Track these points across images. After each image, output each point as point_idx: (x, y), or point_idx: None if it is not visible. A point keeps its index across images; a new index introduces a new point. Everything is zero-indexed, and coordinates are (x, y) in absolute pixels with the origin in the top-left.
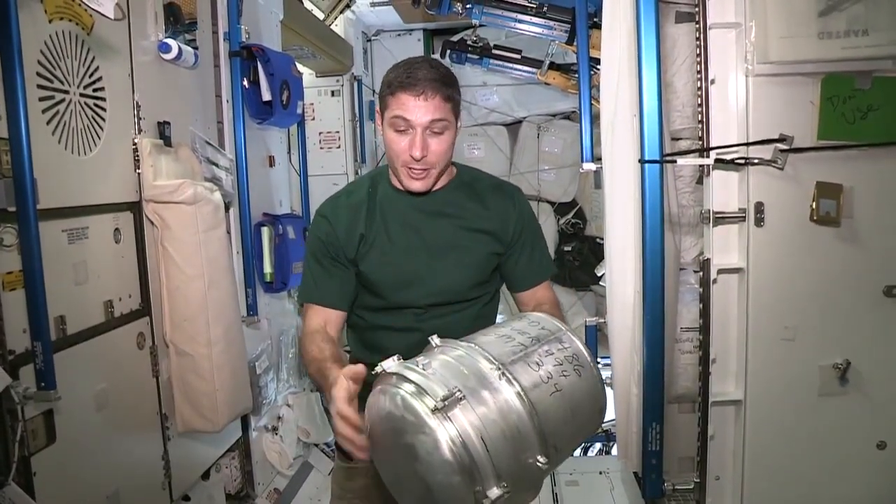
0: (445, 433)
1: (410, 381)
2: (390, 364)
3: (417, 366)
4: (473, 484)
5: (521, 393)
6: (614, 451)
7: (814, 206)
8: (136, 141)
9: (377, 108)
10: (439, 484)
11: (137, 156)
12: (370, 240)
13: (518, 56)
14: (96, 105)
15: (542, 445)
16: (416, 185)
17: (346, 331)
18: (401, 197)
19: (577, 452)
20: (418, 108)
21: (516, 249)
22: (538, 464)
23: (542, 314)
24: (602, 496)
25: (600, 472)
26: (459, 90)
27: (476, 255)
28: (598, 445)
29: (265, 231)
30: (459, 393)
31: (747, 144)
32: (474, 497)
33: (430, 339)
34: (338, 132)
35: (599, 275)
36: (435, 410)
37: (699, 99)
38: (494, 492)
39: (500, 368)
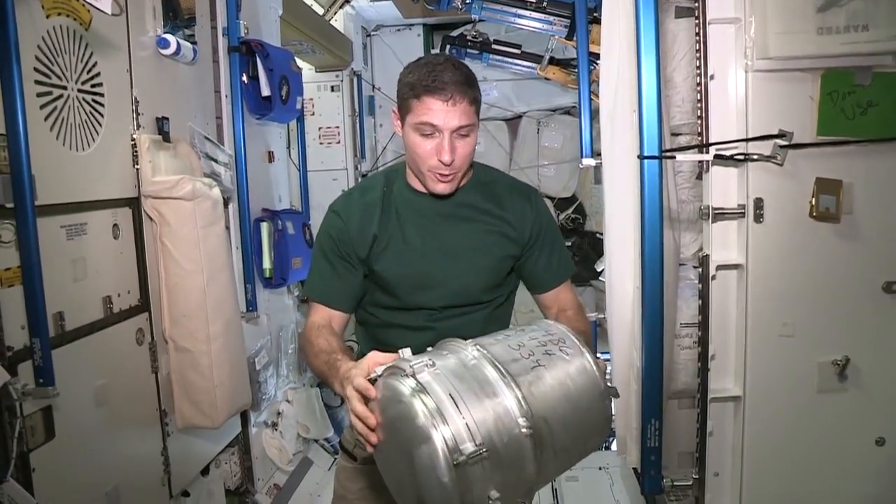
0: (418, 396)
1: (400, 367)
2: (379, 369)
3: (426, 365)
4: (451, 450)
5: (496, 362)
6: (614, 446)
7: (813, 203)
8: (134, 137)
9: (394, 108)
10: (415, 442)
11: (136, 151)
12: (384, 240)
13: (518, 51)
14: (94, 101)
15: (521, 412)
16: (442, 188)
17: (353, 325)
18: (417, 198)
19: None
20: (446, 113)
21: (535, 251)
22: (522, 429)
23: (561, 326)
24: (602, 492)
25: (600, 468)
26: (480, 89)
27: (491, 258)
28: None
29: (264, 226)
30: (430, 361)
31: (746, 140)
32: (452, 456)
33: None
34: (337, 127)
35: (599, 270)
36: (406, 376)
37: (698, 94)
38: (469, 447)
39: (476, 347)
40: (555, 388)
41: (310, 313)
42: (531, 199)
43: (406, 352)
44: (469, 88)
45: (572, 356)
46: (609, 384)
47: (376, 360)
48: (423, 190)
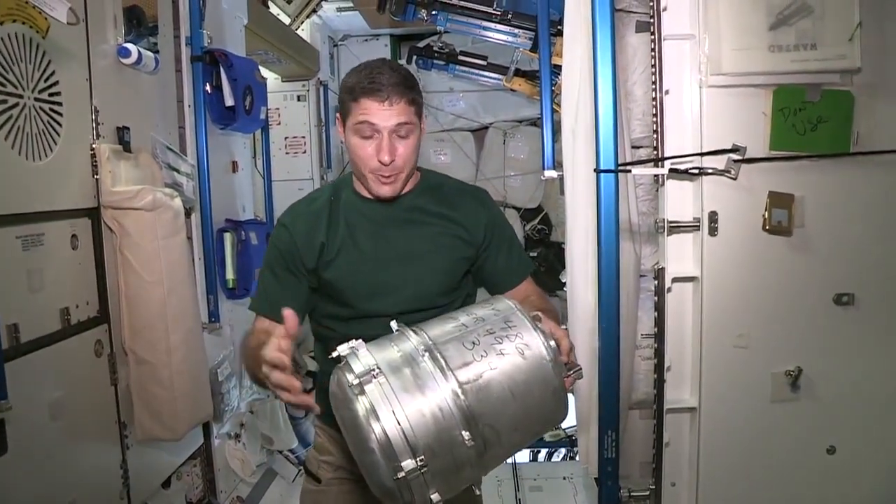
0: (361, 406)
1: (350, 367)
2: (343, 348)
3: (373, 375)
4: (390, 461)
5: (446, 369)
6: (579, 456)
7: (766, 216)
8: (94, 146)
9: (338, 114)
10: (360, 450)
11: (95, 161)
12: (334, 249)
13: (484, 62)
14: (52, 110)
15: (466, 423)
16: (385, 190)
17: (313, 343)
18: (366, 204)
19: (542, 458)
20: (384, 113)
21: (492, 252)
22: (465, 441)
23: (504, 298)
24: (565, 501)
25: (564, 478)
26: (420, 91)
27: (446, 261)
28: (562, 451)
29: (227, 237)
30: (376, 370)
31: (701, 154)
32: (393, 470)
33: (390, 324)
34: (304, 137)
35: (564, 280)
36: (351, 385)
37: (654, 109)
38: (409, 463)
39: (428, 348)
40: (504, 392)
41: (251, 327)
42: (483, 201)
43: (361, 348)
44: (406, 89)
45: (528, 355)
46: (574, 367)
47: (283, 329)
48: (371, 196)
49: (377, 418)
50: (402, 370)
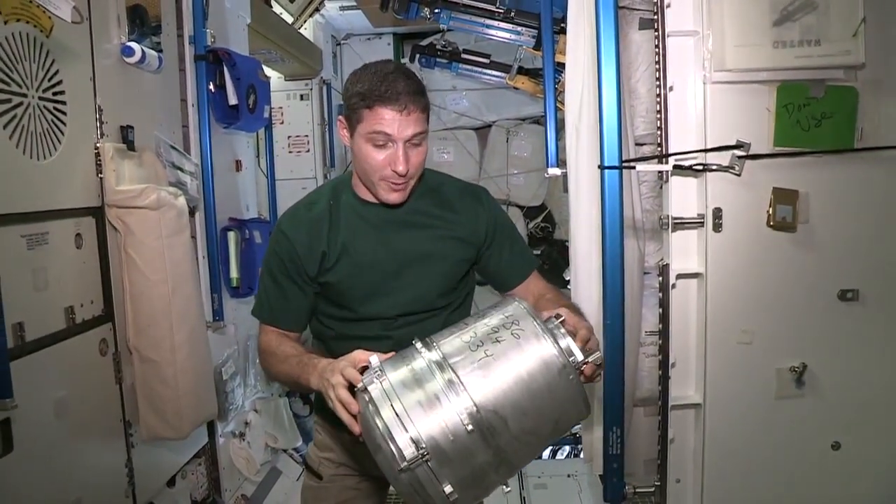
0: (365, 405)
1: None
2: (373, 364)
3: (376, 376)
4: (394, 453)
5: (443, 362)
6: (583, 454)
7: (770, 212)
8: (98, 145)
9: (341, 116)
10: (373, 449)
11: (100, 160)
12: (334, 255)
13: (487, 61)
14: (56, 109)
15: (465, 410)
16: (395, 197)
17: (312, 340)
18: (367, 207)
19: (546, 455)
20: (400, 123)
21: (495, 249)
22: (465, 427)
23: (520, 305)
24: (570, 499)
25: (568, 475)
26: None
27: (446, 264)
28: (567, 448)
29: (231, 236)
30: (380, 372)
31: (705, 151)
32: (398, 461)
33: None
34: (307, 136)
35: (567, 279)
36: (358, 389)
37: (658, 105)
38: (410, 452)
39: (430, 348)
40: (503, 376)
41: (261, 332)
42: (482, 200)
43: (373, 359)
44: (421, 97)
45: (524, 337)
46: (589, 355)
47: (360, 358)
48: (372, 200)
49: (378, 413)
50: (403, 369)
